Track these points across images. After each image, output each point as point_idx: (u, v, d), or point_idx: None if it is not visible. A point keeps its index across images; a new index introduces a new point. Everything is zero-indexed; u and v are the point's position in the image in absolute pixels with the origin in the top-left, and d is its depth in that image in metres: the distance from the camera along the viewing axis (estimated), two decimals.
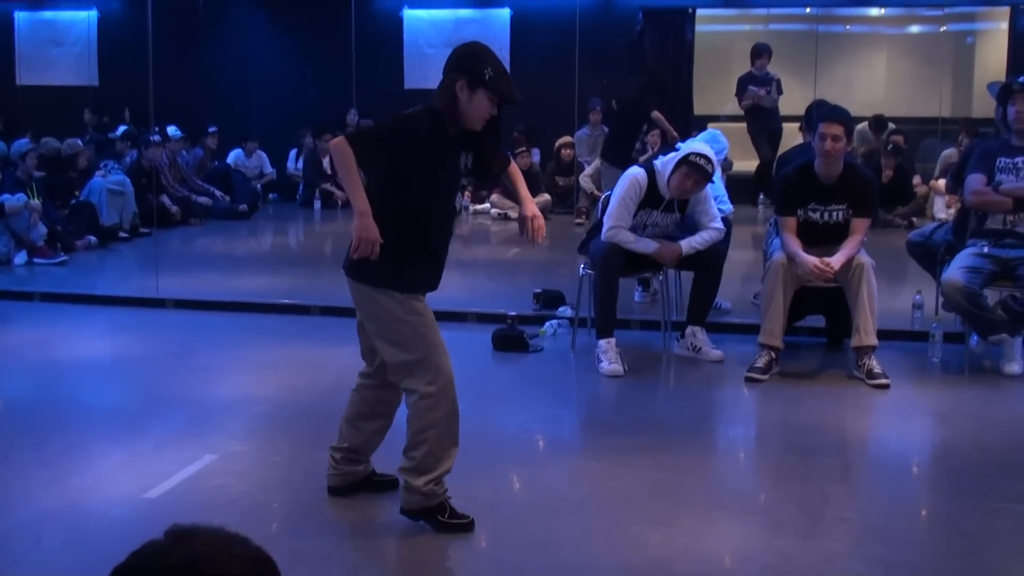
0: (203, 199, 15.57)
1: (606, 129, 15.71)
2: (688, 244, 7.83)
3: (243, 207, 15.87)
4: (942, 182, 13.36)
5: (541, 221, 5.11)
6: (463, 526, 4.90)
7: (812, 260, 7.42)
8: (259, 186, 17.52)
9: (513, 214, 15.53)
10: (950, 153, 14.73)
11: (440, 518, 4.88)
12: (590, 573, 4.64)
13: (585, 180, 15.08)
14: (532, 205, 5.12)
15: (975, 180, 7.83)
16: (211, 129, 17.62)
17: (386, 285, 4.84)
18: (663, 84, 12.33)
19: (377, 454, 5.35)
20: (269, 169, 18.08)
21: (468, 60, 4.85)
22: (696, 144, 8.09)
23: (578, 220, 14.63)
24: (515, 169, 5.30)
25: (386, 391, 5.17)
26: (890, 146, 15.38)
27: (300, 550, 4.75)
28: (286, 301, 9.70)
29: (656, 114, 12.53)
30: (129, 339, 8.73)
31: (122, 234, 13.41)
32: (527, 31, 17.37)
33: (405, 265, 4.83)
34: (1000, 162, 7.79)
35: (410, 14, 18.09)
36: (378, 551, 4.84)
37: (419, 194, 4.85)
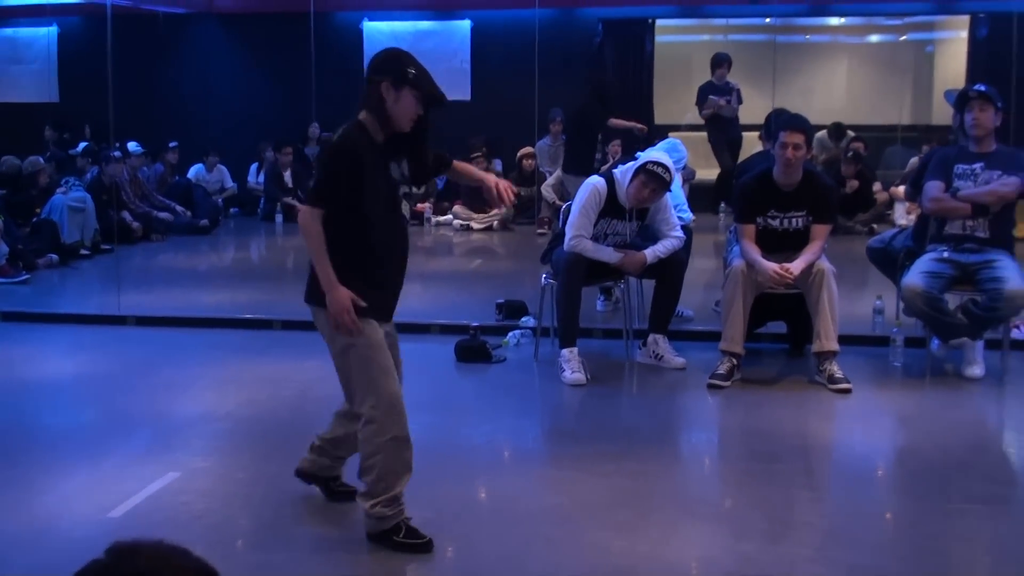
0: (164, 215, 15.50)
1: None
2: (652, 252, 7.85)
3: (204, 222, 15.81)
4: (902, 189, 13.44)
5: (505, 183, 5.14)
6: (420, 546, 4.85)
7: (771, 266, 7.46)
8: (220, 201, 17.46)
9: (476, 225, 15.56)
10: (915, 160, 14.83)
11: (395, 538, 4.85)
12: None
13: (547, 190, 15.11)
14: (489, 176, 5.17)
15: (933, 187, 7.88)
16: (172, 144, 17.56)
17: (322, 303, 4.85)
18: (607, 92, 12.33)
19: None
20: (230, 183, 18.03)
21: (390, 61, 4.87)
22: (654, 153, 8.11)
23: (540, 230, 14.66)
24: (459, 163, 5.29)
25: None
26: (850, 153, 15.49)
27: (265, 565, 4.74)
28: (248, 316, 9.67)
29: (613, 121, 12.55)
30: (91, 357, 8.68)
31: (84, 251, 13.32)
32: (488, 42, 17.39)
33: (351, 287, 4.78)
34: (958, 168, 7.85)
35: (370, 26, 18.08)
36: (342, 565, 4.82)
37: (360, 210, 4.79)
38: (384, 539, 4.86)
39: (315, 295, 4.88)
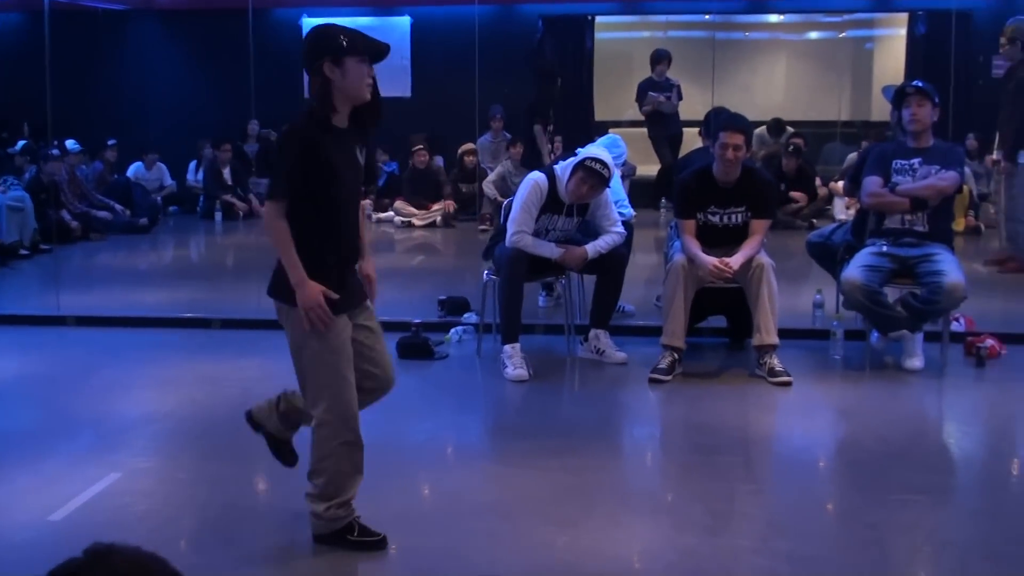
0: (103, 214, 15.38)
1: (508, 136, 15.78)
2: (593, 248, 7.87)
3: (143, 221, 15.71)
4: (841, 184, 13.54)
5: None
6: (375, 543, 4.82)
7: (711, 260, 7.50)
8: (159, 199, 17.34)
9: (417, 221, 15.55)
10: (854, 156, 14.94)
11: (349, 537, 4.81)
12: None
13: (488, 186, 15.10)
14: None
15: (872, 182, 7.95)
16: (110, 142, 17.44)
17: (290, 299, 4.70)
18: (553, 86, 12.37)
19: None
20: (169, 181, 17.93)
21: (320, 40, 4.68)
22: (593, 149, 8.13)
23: (482, 226, 14.65)
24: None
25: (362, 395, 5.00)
26: (791, 147, 15.61)
27: (208, 566, 4.71)
28: (188, 315, 9.61)
29: (537, 127, 12.59)
30: (31, 358, 8.60)
31: (23, 251, 13.19)
32: (427, 39, 17.37)
33: (325, 274, 4.67)
34: (896, 164, 7.92)
35: (309, 22, 17.97)
36: (286, 565, 4.81)
37: (328, 198, 4.68)
38: (337, 540, 4.81)
39: (280, 290, 4.73)
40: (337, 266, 4.79)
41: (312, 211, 4.66)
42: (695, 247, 7.62)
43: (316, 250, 4.69)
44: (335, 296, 4.65)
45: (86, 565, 1.94)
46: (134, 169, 17.61)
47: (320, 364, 4.69)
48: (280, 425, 5.25)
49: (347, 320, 4.79)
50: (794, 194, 15.17)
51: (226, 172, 16.92)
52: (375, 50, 4.69)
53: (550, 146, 14.03)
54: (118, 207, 15.70)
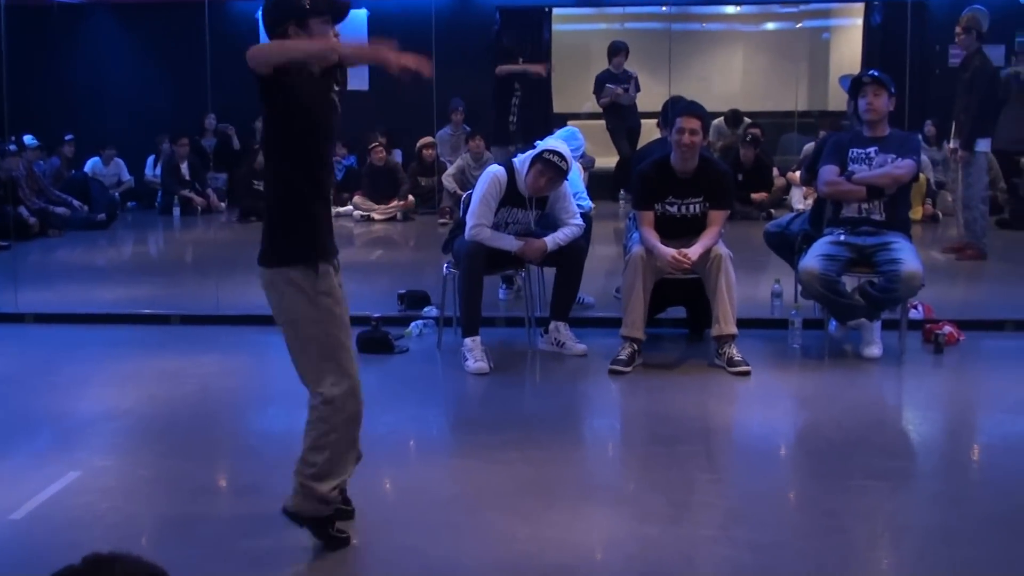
0: (61, 209, 15.29)
1: (468, 129, 15.76)
2: (552, 240, 7.88)
3: (102, 216, 15.62)
4: (798, 174, 13.60)
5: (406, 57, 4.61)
6: (344, 540, 4.78)
7: (670, 251, 7.52)
8: (117, 194, 17.24)
9: (377, 216, 15.52)
10: (811, 146, 15.00)
11: (329, 530, 4.74)
12: (461, 570, 4.65)
13: (447, 180, 15.07)
14: (381, 51, 4.64)
15: (828, 171, 8.00)
16: (67, 137, 17.34)
17: (300, 259, 4.59)
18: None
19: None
20: (127, 176, 17.83)
21: (282, 4, 4.63)
22: (552, 141, 8.14)
23: (441, 220, 14.64)
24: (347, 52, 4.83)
25: None
26: (748, 137, 15.67)
27: (170, 564, 4.67)
28: (147, 311, 9.56)
29: (502, 68, 12.56)
30: None
31: None
32: (384, 31, 16.97)
33: (315, 223, 4.65)
34: (853, 152, 7.97)
35: None
36: (248, 560, 4.79)
37: (318, 138, 4.64)
38: (317, 525, 4.72)
39: (270, 256, 4.64)
40: (327, 213, 4.77)
41: (298, 160, 4.62)
42: (653, 238, 7.64)
43: (307, 198, 4.66)
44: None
45: (84, 572, 1.94)
46: (91, 164, 17.51)
47: (319, 336, 4.62)
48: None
49: (336, 277, 4.75)
50: (755, 196, 15.23)
51: (184, 167, 16.84)
52: (337, 8, 4.67)
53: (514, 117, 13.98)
54: (76, 203, 15.61)
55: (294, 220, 4.64)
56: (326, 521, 4.76)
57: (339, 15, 4.69)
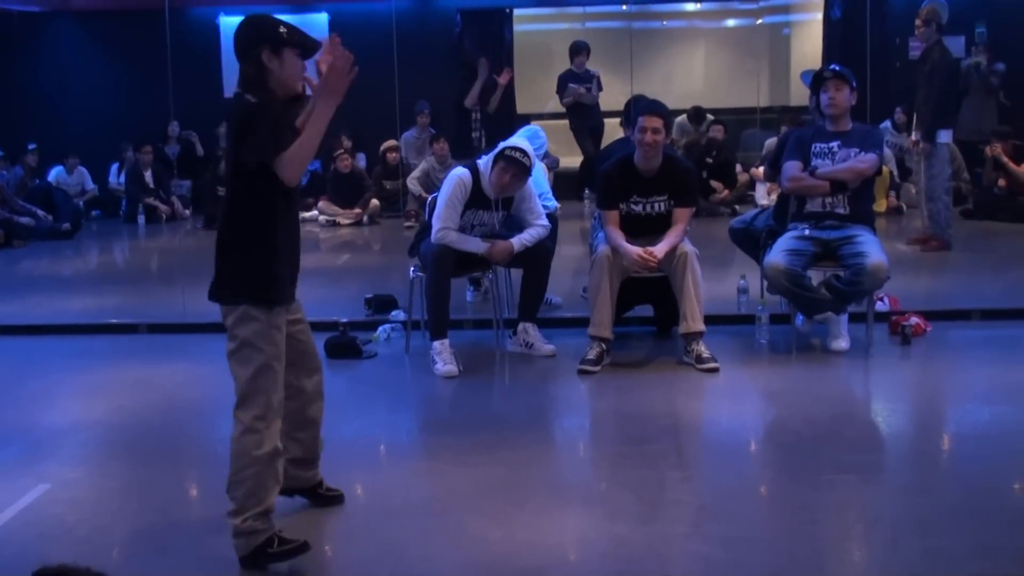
0: (25, 219, 15.23)
1: (433, 131, 15.75)
2: (518, 241, 7.88)
3: (66, 226, 15.57)
4: (761, 170, 13.65)
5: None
6: (296, 548, 4.67)
7: (635, 250, 7.53)
8: (81, 203, 17.20)
9: (342, 220, 15.50)
10: (772, 141, 15.06)
11: (270, 551, 4.64)
12: (434, 574, 4.65)
13: (412, 183, 15.05)
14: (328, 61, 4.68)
15: (791, 167, 8.03)
16: (30, 147, 17.28)
17: (256, 300, 4.62)
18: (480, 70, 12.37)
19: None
20: (91, 185, 17.80)
21: (259, 28, 4.69)
22: (514, 140, 8.15)
23: (407, 223, 14.64)
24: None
25: (303, 398, 5.05)
26: (711, 135, 15.74)
27: (140, 574, 4.67)
28: (114, 321, 9.52)
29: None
30: None
31: None
32: (345, 35, 16.98)
33: (277, 267, 4.68)
34: (815, 147, 8.00)
35: (227, 21, 17.91)
36: (219, 569, 4.77)
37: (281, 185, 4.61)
38: (259, 557, 4.63)
39: (223, 292, 4.68)
40: (293, 256, 4.80)
41: (272, 199, 4.62)
42: (619, 237, 7.65)
43: (278, 242, 4.69)
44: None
45: None
46: (55, 173, 17.45)
47: (263, 369, 4.64)
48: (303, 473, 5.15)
49: (285, 318, 4.77)
50: (714, 183, 15.28)
51: (148, 175, 16.80)
52: (310, 46, 4.72)
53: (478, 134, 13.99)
54: (40, 212, 15.55)
55: (250, 258, 4.66)
56: (264, 547, 4.64)
57: (310, 53, 4.73)
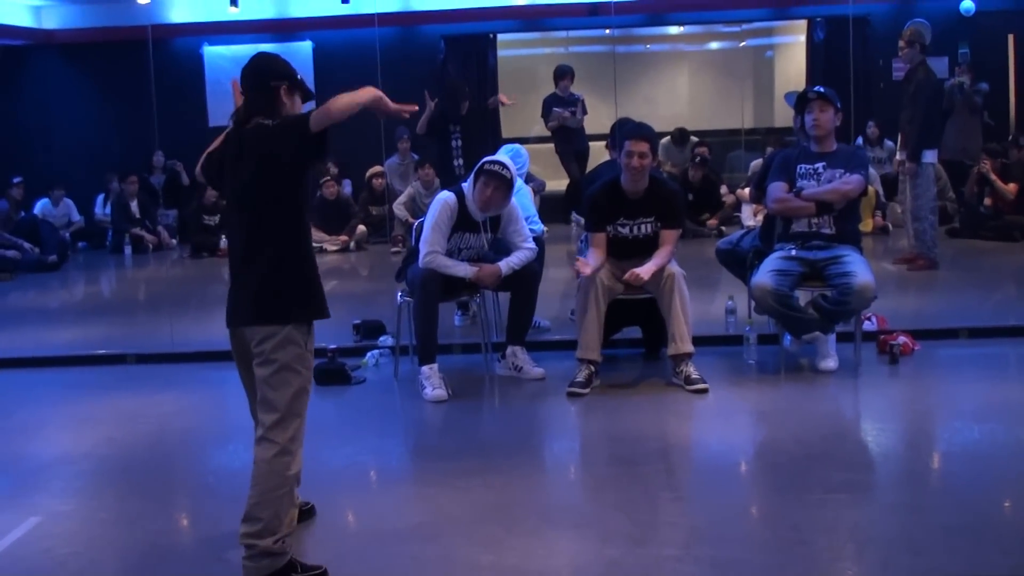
0: (11, 253, 15.22)
1: (416, 157, 15.76)
2: (506, 265, 7.88)
3: (52, 258, 15.54)
4: (747, 191, 13.67)
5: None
6: (321, 575, 4.75)
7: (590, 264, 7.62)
8: (68, 235, 17.17)
9: (329, 247, 15.49)
10: (758, 163, 15.09)
11: (294, 574, 4.69)
12: None
13: (398, 208, 15.06)
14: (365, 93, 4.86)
15: (777, 188, 8.04)
16: (15, 180, 17.25)
17: (305, 315, 4.80)
18: (457, 96, 12.31)
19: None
20: (77, 217, 17.77)
21: (278, 64, 4.96)
22: (494, 156, 8.16)
23: (394, 248, 14.65)
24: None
25: None
26: (697, 158, 15.77)
27: None
28: (102, 352, 9.50)
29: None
30: None
31: None
32: (329, 63, 17.30)
33: (317, 280, 4.89)
34: (800, 168, 8.02)
35: (210, 51, 17.93)
36: None
37: (303, 199, 4.87)
38: None
39: (271, 312, 4.75)
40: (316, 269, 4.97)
41: (299, 216, 4.84)
42: (597, 260, 7.68)
43: (311, 257, 4.90)
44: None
45: None
46: (41, 206, 17.43)
47: (301, 394, 4.75)
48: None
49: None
50: (709, 223, 15.34)
51: (133, 205, 16.79)
52: (310, 94, 5.06)
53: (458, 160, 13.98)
54: (26, 245, 15.54)
55: (299, 274, 4.82)
56: (287, 570, 4.70)
57: (308, 99, 5.07)
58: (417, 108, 4.99)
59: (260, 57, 4.99)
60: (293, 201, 4.79)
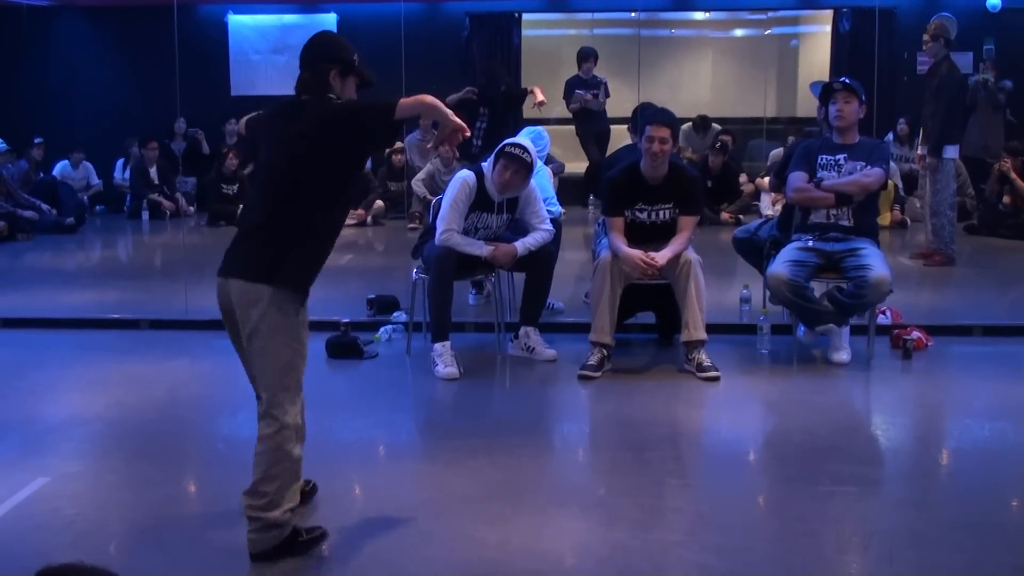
0: (29, 213, 15.26)
1: (435, 132, 15.73)
2: (522, 245, 7.88)
3: (70, 220, 15.58)
4: (767, 180, 13.65)
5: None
6: (321, 536, 4.84)
7: (636, 253, 7.53)
8: (86, 198, 17.22)
9: (347, 221, 15.46)
10: (778, 152, 15.06)
11: (299, 539, 4.75)
12: None
13: (417, 184, 15.05)
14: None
15: (797, 177, 8.02)
16: (36, 140, 17.28)
17: (282, 281, 4.61)
18: (498, 82, 12.30)
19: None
20: (96, 180, 17.80)
21: (335, 49, 4.89)
22: (515, 139, 8.15)
23: (411, 225, 14.64)
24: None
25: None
26: (718, 144, 15.74)
27: (136, 569, 4.67)
28: (115, 316, 9.53)
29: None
30: None
31: None
32: (353, 36, 16.91)
33: (311, 260, 4.75)
34: (822, 159, 8.01)
35: (235, 20, 17.92)
36: (216, 565, 4.77)
37: (348, 181, 4.83)
38: (287, 547, 4.70)
39: (261, 270, 4.63)
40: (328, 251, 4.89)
41: (336, 200, 4.80)
42: (621, 244, 7.64)
43: (320, 237, 4.78)
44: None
45: None
46: (60, 168, 17.47)
47: (290, 369, 4.69)
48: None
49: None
50: (724, 216, 15.28)
51: (152, 171, 16.81)
52: (368, 79, 4.95)
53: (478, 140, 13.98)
54: (44, 206, 15.57)
55: (303, 247, 4.71)
56: (293, 537, 4.74)
57: (367, 84, 4.95)
58: (469, 134, 4.90)
59: (320, 37, 4.98)
60: (335, 182, 4.74)
